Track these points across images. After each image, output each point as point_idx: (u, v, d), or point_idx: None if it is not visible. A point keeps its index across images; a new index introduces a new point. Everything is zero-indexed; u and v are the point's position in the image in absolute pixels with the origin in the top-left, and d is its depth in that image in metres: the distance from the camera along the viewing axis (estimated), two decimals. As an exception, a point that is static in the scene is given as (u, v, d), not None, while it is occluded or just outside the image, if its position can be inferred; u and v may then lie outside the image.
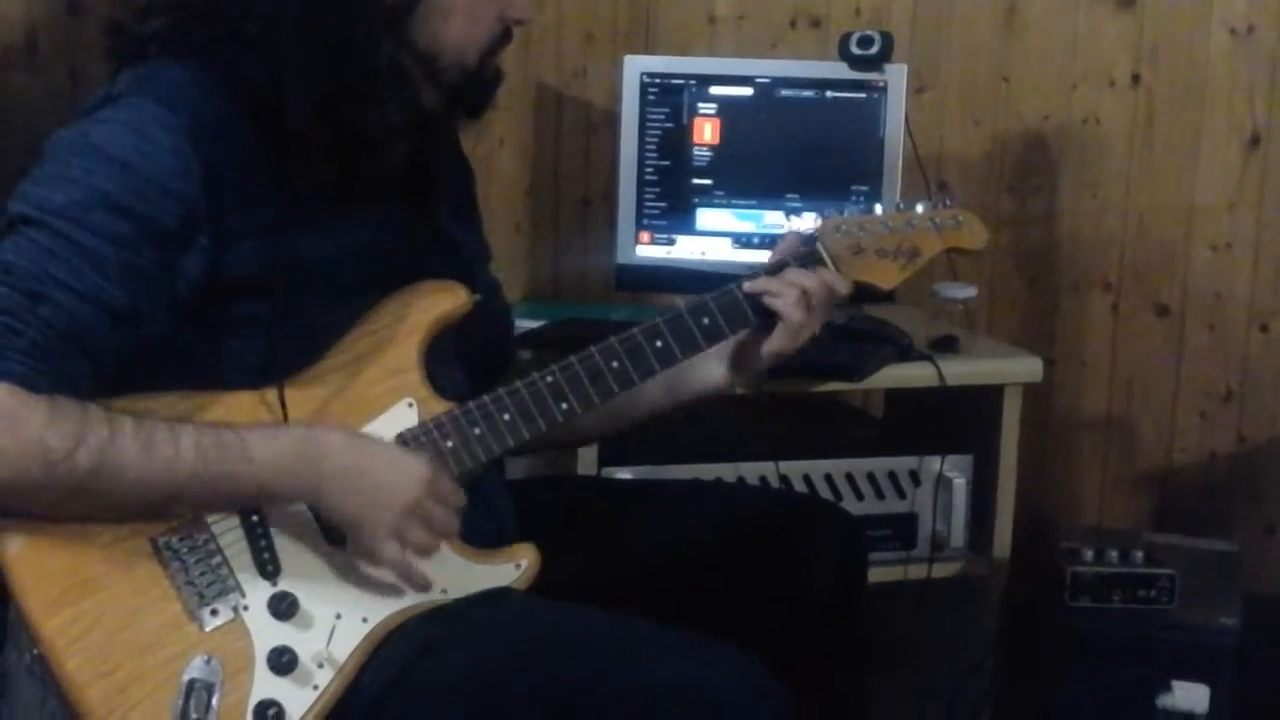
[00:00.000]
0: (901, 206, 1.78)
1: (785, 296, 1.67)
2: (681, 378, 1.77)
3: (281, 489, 1.48)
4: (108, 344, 1.44)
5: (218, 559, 1.48)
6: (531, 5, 1.64)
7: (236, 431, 1.46)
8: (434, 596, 1.54)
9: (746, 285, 1.68)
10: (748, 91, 2.48)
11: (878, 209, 1.77)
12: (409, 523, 1.49)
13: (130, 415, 1.42)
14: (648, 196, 2.50)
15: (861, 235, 1.73)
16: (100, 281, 1.43)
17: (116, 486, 1.40)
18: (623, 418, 1.81)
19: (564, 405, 1.62)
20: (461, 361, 1.68)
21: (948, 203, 1.79)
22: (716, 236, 2.50)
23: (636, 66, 2.49)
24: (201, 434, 1.44)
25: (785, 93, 2.48)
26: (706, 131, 2.49)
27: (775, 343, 1.69)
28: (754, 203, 2.49)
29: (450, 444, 1.57)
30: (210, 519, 1.48)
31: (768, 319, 1.69)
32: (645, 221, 2.51)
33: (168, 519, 1.46)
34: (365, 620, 1.51)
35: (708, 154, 2.49)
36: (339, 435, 1.50)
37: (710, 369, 1.77)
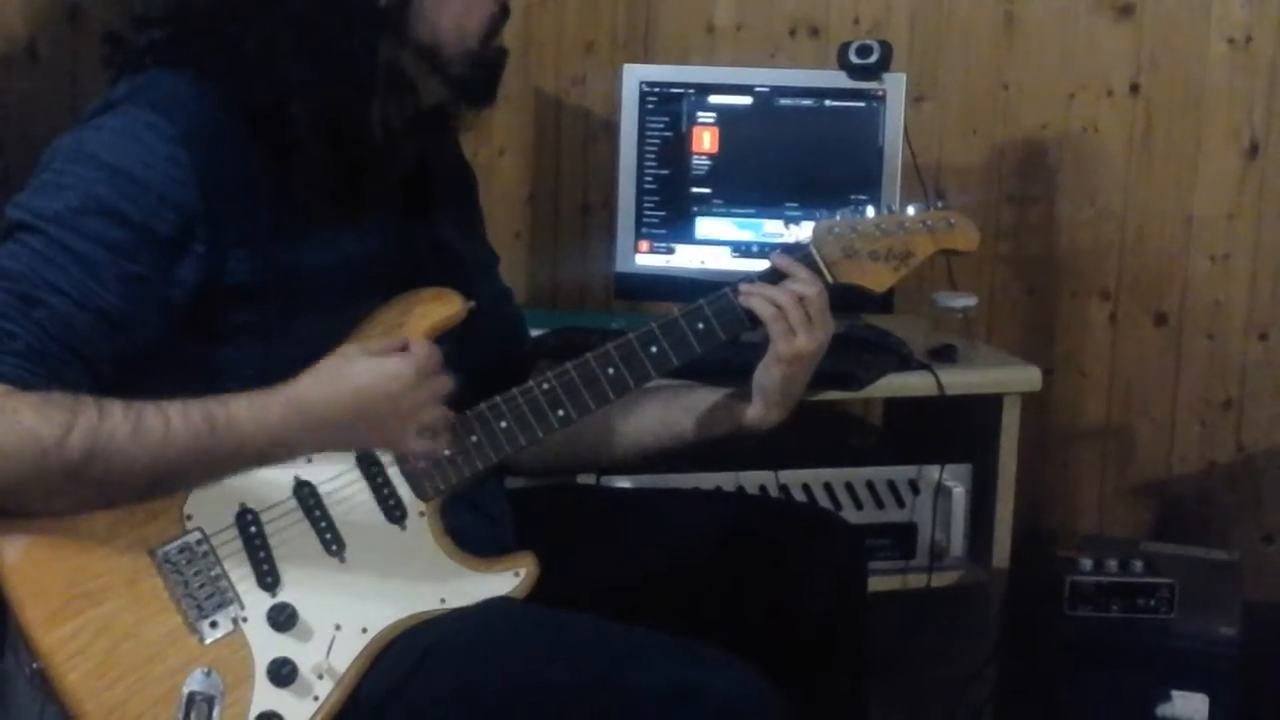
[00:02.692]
0: (893, 209, 1.77)
1: (778, 300, 1.66)
2: (712, 413, 1.76)
3: (284, 453, 1.50)
4: (102, 349, 1.45)
5: (216, 570, 1.48)
6: None
7: (223, 403, 1.45)
8: (433, 606, 1.54)
9: (743, 289, 1.68)
10: (747, 100, 2.48)
11: (869, 211, 1.75)
12: (417, 413, 1.52)
13: (119, 400, 1.42)
14: (647, 205, 2.50)
15: (854, 238, 1.72)
16: (95, 287, 1.43)
17: (111, 469, 1.40)
18: (649, 446, 1.81)
19: (560, 412, 1.62)
20: (469, 370, 1.67)
21: (940, 204, 1.79)
22: (715, 245, 2.50)
23: (636, 75, 2.49)
24: (189, 409, 1.44)
25: (784, 102, 2.48)
26: (705, 140, 2.49)
27: (775, 350, 1.67)
28: (753, 211, 2.49)
29: (447, 452, 1.57)
30: (209, 530, 1.48)
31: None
32: (644, 230, 2.50)
33: (172, 493, 1.46)
34: (365, 630, 1.51)
35: (707, 163, 2.49)
36: (320, 384, 1.49)
37: (739, 404, 1.73)
